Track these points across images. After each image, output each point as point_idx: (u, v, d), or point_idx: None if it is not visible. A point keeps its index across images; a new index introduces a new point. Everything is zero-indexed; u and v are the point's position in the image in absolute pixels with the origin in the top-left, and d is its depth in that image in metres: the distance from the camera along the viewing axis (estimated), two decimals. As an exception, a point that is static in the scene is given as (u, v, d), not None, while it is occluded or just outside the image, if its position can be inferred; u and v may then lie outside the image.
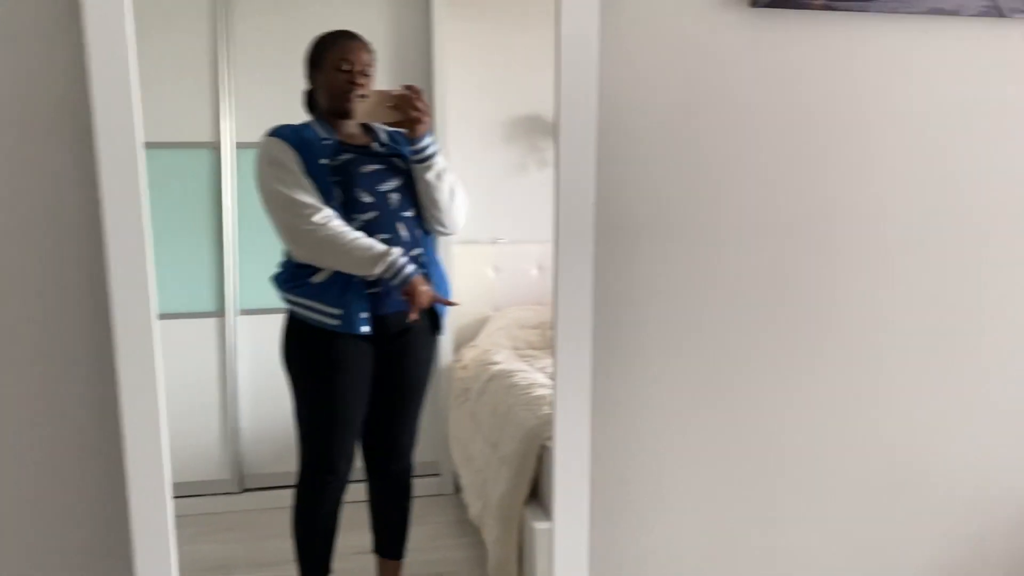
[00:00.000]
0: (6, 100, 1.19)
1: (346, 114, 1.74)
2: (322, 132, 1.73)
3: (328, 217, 1.67)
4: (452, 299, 1.90)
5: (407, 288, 1.71)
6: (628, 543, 1.41)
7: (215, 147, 1.91)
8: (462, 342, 2.51)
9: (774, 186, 1.34)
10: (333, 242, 1.66)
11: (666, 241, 1.32)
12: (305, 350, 1.79)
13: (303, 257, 1.71)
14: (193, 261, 1.93)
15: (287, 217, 1.68)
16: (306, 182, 1.67)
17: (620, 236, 1.29)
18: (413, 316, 1.74)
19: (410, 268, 1.71)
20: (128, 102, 1.11)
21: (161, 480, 1.21)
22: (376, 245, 1.69)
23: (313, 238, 1.67)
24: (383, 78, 1.87)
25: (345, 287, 1.71)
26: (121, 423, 1.20)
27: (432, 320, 1.88)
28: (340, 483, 1.83)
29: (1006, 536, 1.56)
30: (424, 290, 1.73)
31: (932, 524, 1.53)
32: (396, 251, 1.69)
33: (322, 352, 1.77)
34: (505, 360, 2.25)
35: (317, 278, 1.71)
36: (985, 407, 1.51)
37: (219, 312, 1.98)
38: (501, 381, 2.14)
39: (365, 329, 1.73)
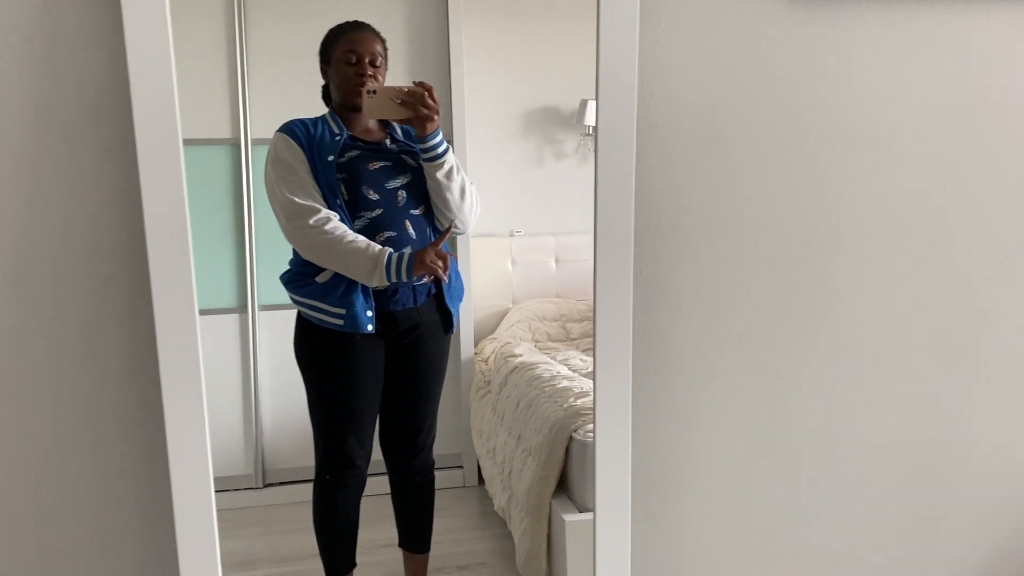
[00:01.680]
0: (47, 100, 1.19)
1: (357, 107, 1.72)
2: (335, 127, 1.72)
3: (326, 219, 1.65)
4: (465, 294, 1.90)
5: (416, 270, 1.68)
6: (667, 537, 1.42)
7: (234, 143, 1.90)
8: (481, 335, 2.51)
9: (816, 182, 1.34)
10: (330, 247, 1.65)
11: (705, 238, 1.32)
12: (314, 350, 1.79)
13: (306, 257, 1.70)
14: (214, 258, 1.93)
15: (285, 219, 1.68)
16: (309, 181, 1.66)
17: (657, 233, 1.29)
18: (444, 279, 1.73)
19: (405, 252, 1.67)
20: (170, 98, 1.11)
21: (206, 475, 1.21)
22: (371, 248, 1.66)
23: (310, 242, 1.67)
24: (399, 72, 1.86)
25: (350, 286, 1.70)
26: (165, 419, 1.20)
27: (444, 318, 1.87)
28: (358, 479, 1.83)
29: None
30: (431, 257, 1.68)
31: (966, 514, 1.54)
32: (387, 252, 1.66)
33: (330, 352, 1.77)
34: (526, 352, 2.25)
35: (321, 277, 1.70)
36: (1013, 396, 1.52)
37: (241, 308, 1.98)
38: (523, 373, 2.15)
39: (370, 328, 1.72)
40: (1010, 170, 1.41)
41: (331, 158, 1.68)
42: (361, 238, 1.67)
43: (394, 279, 1.67)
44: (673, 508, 1.41)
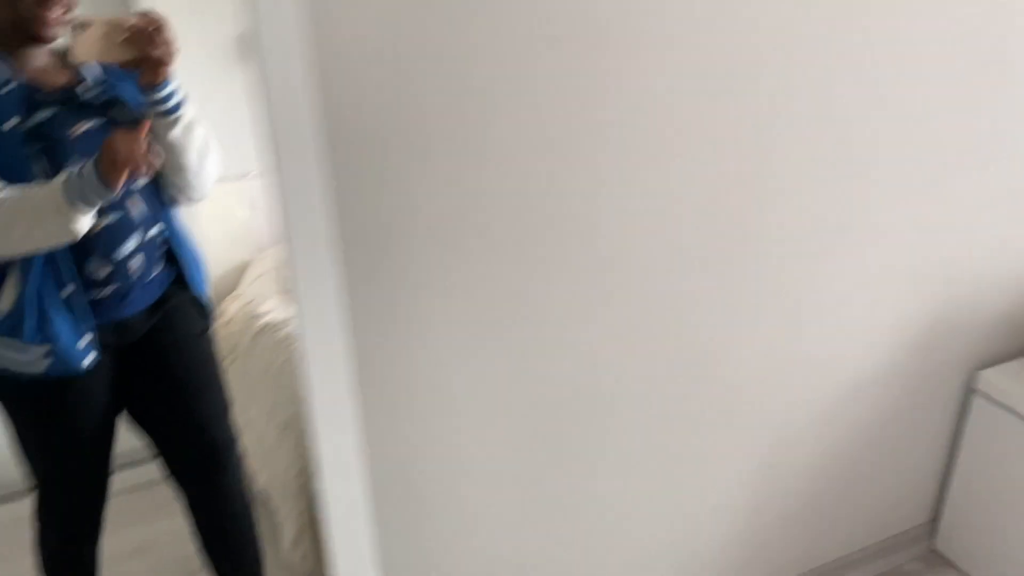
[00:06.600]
0: None
1: (32, 40, 1.22)
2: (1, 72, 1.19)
3: None
4: (204, 264, 1.46)
5: (110, 169, 1.14)
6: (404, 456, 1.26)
7: None
8: (223, 294, 2.22)
9: (558, 90, 1.13)
10: (9, 224, 1.14)
11: (425, 155, 1.07)
12: (12, 404, 1.30)
13: None
14: None
15: None
16: None
17: (360, 152, 1.01)
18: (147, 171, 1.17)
19: (84, 162, 1.15)
20: None
21: None
22: (47, 186, 1.16)
23: None
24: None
25: (44, 309, 1.22)
26: None
27: (188, 291, 1.43)
28: (99, 523, 1.43)
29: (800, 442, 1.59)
30: (121, 140, 1.15)
31: (737, 432, 1.52)
32: (63, 175, 1.14)
33: (34, 406, 1.29)
34: (274, 309, 2.02)
35: (2, 305, 1.21)
36: (770, 307, 1.49)
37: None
38: (271, 335, 1.91)
39: (88, 362, 1.26)
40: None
41: (12, 124, 1.18)
42: (38, 186, 1.18)
43: (90, 198, 1.15)
44: (407, 445, 1.21)
